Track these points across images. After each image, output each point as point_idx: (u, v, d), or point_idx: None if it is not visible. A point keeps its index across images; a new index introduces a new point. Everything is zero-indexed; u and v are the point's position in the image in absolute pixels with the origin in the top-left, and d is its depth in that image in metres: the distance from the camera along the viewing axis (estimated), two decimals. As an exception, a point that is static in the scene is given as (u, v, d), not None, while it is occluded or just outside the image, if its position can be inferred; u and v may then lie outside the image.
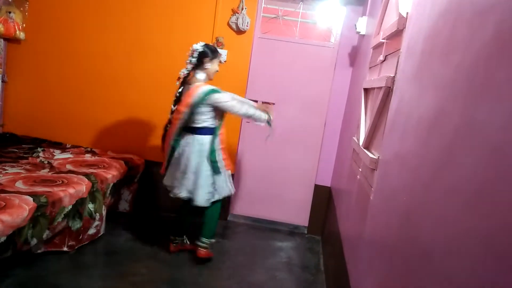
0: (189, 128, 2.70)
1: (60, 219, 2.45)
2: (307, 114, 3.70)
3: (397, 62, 1.60)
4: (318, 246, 3.55)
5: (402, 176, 1.23)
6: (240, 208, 3.90)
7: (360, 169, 2.04)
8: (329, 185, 3.73)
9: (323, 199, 3.72)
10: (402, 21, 1.59)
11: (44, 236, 2.37)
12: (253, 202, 3.87)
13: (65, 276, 2.44)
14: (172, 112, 2.76)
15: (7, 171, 2.70)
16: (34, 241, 2.29)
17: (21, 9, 3.61)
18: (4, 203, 2.12)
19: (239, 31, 3.53)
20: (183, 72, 2.71)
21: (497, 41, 0.74)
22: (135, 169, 3.45)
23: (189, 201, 2.72)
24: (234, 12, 3.50)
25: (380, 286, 1.29)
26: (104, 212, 2.95)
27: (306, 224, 3.84)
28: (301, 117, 3.71)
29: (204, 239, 2.86)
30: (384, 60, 1.94)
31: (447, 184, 0.87)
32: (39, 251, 2.50)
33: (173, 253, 2.93)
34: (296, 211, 3.85)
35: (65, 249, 2.63)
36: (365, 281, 1.51)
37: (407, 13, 1.58)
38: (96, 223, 2.85)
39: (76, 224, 2.63)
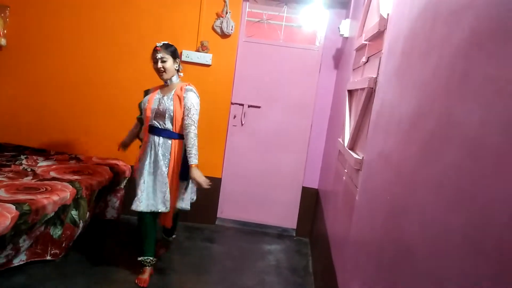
0: None
1: (41, 227, 2.41)
2: (293, 117, 3.72)
3: (379, 63, 1.62)
4: (306, 248, 3.56)
5: (386, 176, 1.24)
6: (227, 212, 3.89)
7: (345, 170, 2.05)
8: (316, 187, 3.74)
9: (311, 201, 3.73)
10: (383, 22, 1.62)
11: (21, 241, 2.33)
12: (240, 206, 3.86)
13: (51, 284, 2.40)
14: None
15: (-12, 180, 2.64)
16: (10, 246, 2.26)
17: (2, 15, 3.55)
18: (-15, 212, 2.07)
19: (224, 35, 3.53)
20: None
21: (473, 39, 0.75)
22: (121, 174, 3.41)
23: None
24: (218, 16, 3.50)
25: (366, 285, 1.29)
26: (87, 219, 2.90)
27: (295, 227, 3.84)
28: (287, 120, 3.72)
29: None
30: (366, 62, 1.97)
31: (428, 182, 0.88)
32: (21, 263, 2.45)
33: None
34: (284, 213, 3.85)
35: (48, 257, 2.57)
36: (352, 281, 1.52)
37: (388, 14, 1.60)
38: (80, 230, 2.80)
39: (57, 231, 2.58)
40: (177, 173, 2.48)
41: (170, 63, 2.45)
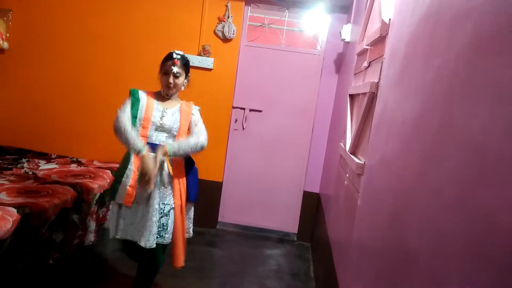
0: None
1: (44, 230, 2.40)
2: (295, 121, 3.72)
3: (381, 68, 1.62)
4: (308, 253, 3.55)
5: (388, 180, 1.24)
6: (229, 216, 3.88)
7: (347, 175, 2.05)
8: (317, 191, 3.73)
9: (312, 206, 3.73)
10: (385, 27, 1.62)
11: (27, 248, 2.32)
12: (242, 210, 3.85)
13: (51, 288, 2.40)
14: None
15: (-10, 183, 2.65)
16: (15, 253, 2.24)
17: (5, 18, 3.57)
18: (-13, 216, 2.07)
19: (226, 39, 3.55)
20: None
21: (475, 43, 0.76)
22: (122, 178, 3.41)
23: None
24: (220, 20, 3.52)
25: (368, 290, 1.29)
26: (91, 223, 2.90)
27: (296, 231, 3.83)
28: (289, 124, 3.72)
29: None
30: (368, 66, 1.97)
31: (430, 186, 0.87)
32: (22, 266, 2.44)
33: None
34: (285, 218, 3.84)
35: (50, 262, 2.57)
36: (354, 286, 1.51)
37: (390, 19, 1.60)
38: (80, 233, 2.80)
39: (60, 236, 2.58)
40: (184, 197, 2.21)
41: (182, 80, 2.17)
